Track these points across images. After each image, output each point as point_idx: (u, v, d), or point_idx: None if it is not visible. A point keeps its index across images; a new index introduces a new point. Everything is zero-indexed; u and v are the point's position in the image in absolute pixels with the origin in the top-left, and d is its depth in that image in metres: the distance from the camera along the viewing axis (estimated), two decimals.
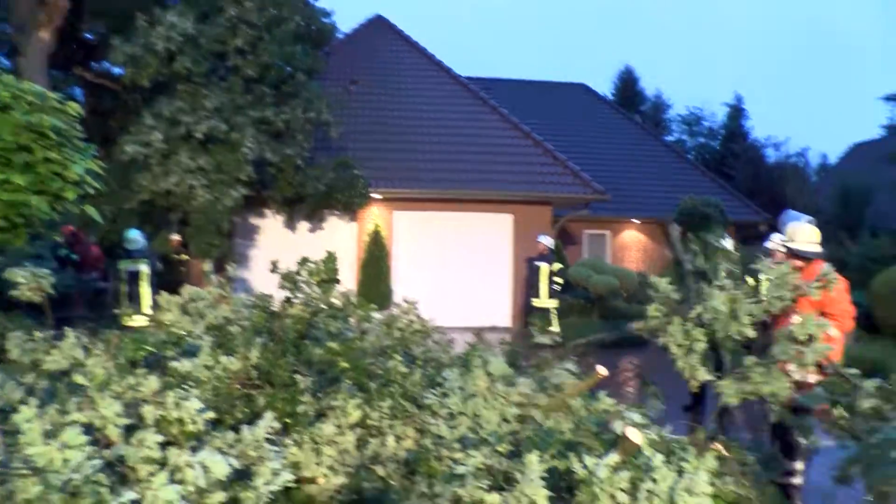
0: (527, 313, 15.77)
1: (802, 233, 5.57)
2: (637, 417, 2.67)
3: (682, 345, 3.03)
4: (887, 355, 10.48)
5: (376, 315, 3.97)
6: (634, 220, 25.03)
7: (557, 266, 14.37)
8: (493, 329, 15.77)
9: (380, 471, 3.02)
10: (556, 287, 14.22)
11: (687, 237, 5.89)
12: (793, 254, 5.52)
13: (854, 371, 3.43)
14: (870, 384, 3.20)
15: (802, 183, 26.07)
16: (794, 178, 26.04)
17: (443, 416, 3.32)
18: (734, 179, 32.13)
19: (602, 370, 3.89)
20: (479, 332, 4.54)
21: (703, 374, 3.00)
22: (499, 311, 17.47)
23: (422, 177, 17.49)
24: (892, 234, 20.48)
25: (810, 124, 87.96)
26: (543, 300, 14.23)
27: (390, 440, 3.13)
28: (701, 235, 12.14)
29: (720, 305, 2.99)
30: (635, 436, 2.65)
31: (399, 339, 3.83)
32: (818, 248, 5.58)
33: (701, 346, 2.98)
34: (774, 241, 6.87)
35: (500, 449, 2.82)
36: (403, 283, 17.02)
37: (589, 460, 2.44)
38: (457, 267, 17.78)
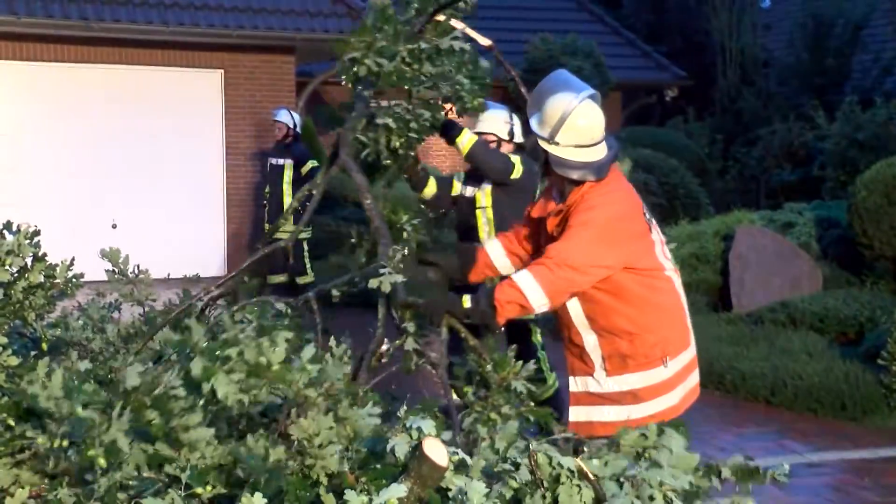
0: (261, 249, 15.75)
1: (571, 128, 5.01)
2: (428, 426, 2.84)
3: None
4: (875, 310, 11.50)
5: None
6: None
7: (312, 166, 14.40)
8: (197, 281, 15.27)
9: None
10: (307, 204, 14.22)
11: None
12: (547, 162, 5.12)
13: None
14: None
15: (741, 15, 27.56)
16: (726, 7, 27.48)
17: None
18: (623, 9, 33.67)
19: (385, 346, 4.05)
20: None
21: None
22: (205, 248, 17.41)
23: None
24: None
25: None
26: (289, 226, 14.22)
27: None
28: None
29: None
30: (439, 454, 2.81)
31: (3, 304, 3.76)
32: (599, 153, 5.09)
33: None
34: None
35: (200, 491, 2.88)
36: (13, 203, 16.40)
37: (356, 500, 2.55)
38: (123, 169, 17.47)
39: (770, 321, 11.94)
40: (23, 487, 3.20)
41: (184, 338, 3.40)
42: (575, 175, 5.03)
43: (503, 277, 5.21)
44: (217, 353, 3.25)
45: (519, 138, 8.39)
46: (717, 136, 25.37)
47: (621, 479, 3.03)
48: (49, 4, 16.63)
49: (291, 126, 14.61)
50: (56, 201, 16.91)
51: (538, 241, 5.43)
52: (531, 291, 4.85)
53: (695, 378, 5.38)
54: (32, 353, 3.72)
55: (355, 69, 5.13)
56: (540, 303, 4.90)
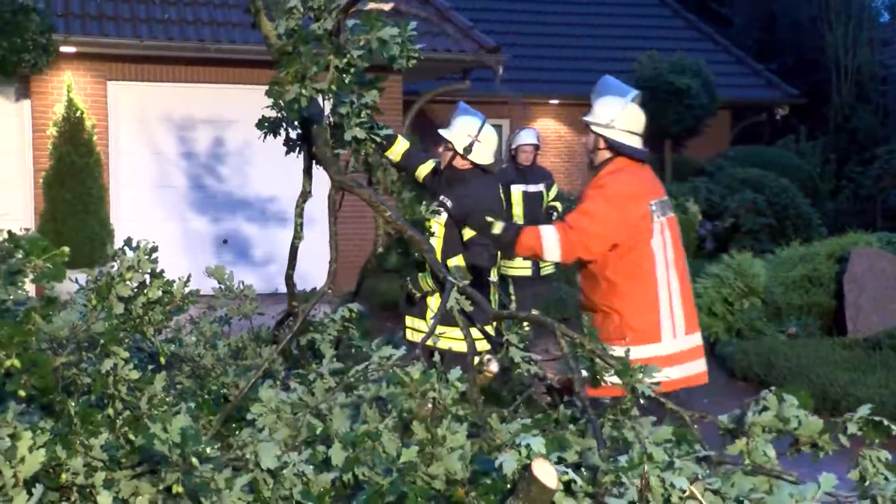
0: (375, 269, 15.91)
1: (626, 116, 6.10)
2: (538, 444, 2.83)
3: None
4: None
5: (76, 274, 3.94)
6: (552, 102, 25.65)
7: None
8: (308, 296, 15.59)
9: None
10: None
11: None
12: (612, 148, 6.13)
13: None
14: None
15: (858, 31, 27.14)
16: (842, 22, 27.09)
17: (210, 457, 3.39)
18: (733, 26, 33.41)
19: (494, 366, 4.10)
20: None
21: None
22: (315, 263, 17.58)
23: (156, 13, 17.12)
24: None
25: None
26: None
27: None
28: None
29: None
30: (548, 476, 2.81)
31: (124, 319, 3.83)
32: (641, 144, 6.19)
33: None
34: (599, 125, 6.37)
35: None
36: (133, 218, 16.73)
37: None
38: (235, 185, 17.85)
39: (889, 347, 11.68)
40: (142, 496, 3.29)
41: (326, 426, 3.49)
42: (633, 153, 6.08)
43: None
44: (357, 441, 3.32)
45: (482, 159, 7.37)
46: (830, 155, 25.01)
47: (743, 500, 3.02)
48: (169, 27, 17.02)
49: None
50: (171, 216, 17.28)
51: None
52: (549, 245, 5.85)
53: (672, 373, 5.56)
54: (150, 367, 3.79)
55: (297, 104, 4.87)
56: (553, 256, 5.92)
